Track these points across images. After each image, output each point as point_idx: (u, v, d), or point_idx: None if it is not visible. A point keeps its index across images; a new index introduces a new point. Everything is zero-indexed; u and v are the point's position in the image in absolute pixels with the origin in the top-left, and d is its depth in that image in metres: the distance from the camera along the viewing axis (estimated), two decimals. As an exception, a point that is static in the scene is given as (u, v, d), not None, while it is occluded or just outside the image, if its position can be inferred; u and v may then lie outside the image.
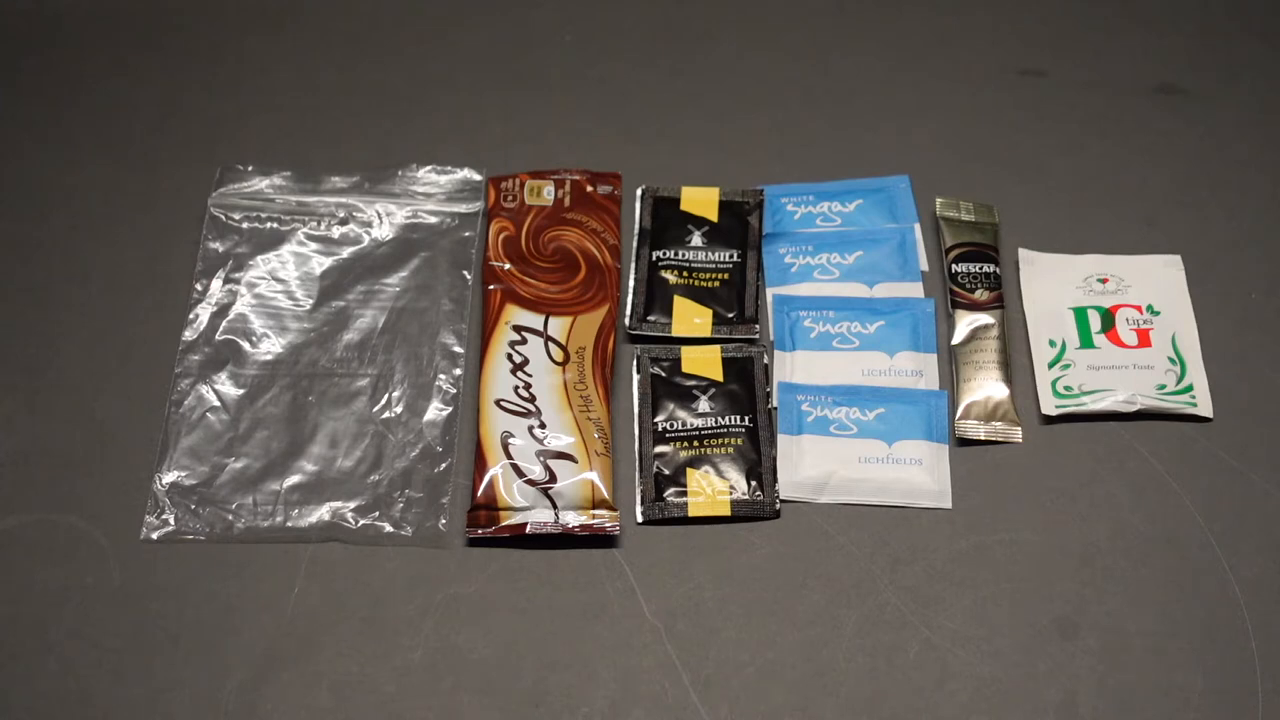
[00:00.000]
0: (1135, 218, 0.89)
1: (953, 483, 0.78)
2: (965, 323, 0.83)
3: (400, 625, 0.74)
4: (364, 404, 0.81)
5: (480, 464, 0.77)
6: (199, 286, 0.85)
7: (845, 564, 0.76)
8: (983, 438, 0.79)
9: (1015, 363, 0.83)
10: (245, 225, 0.88)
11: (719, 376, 0.82)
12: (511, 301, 0.83)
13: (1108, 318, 0.83)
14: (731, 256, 0.86)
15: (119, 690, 0.71)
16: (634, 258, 0.87)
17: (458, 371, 0.82)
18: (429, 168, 0.90)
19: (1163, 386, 0.81)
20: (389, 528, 0.77)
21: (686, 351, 0.83)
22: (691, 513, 0.77)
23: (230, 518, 0.77)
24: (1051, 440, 0.80)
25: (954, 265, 0.85)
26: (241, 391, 0.81)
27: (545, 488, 0.76)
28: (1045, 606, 0.74)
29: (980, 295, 0.83)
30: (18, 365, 0.83)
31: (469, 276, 0.86)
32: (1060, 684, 0.72)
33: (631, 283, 0.86)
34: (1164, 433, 0.80)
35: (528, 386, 0.80)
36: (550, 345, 0.81)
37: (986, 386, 0.80)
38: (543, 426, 0.78)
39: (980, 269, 0.85)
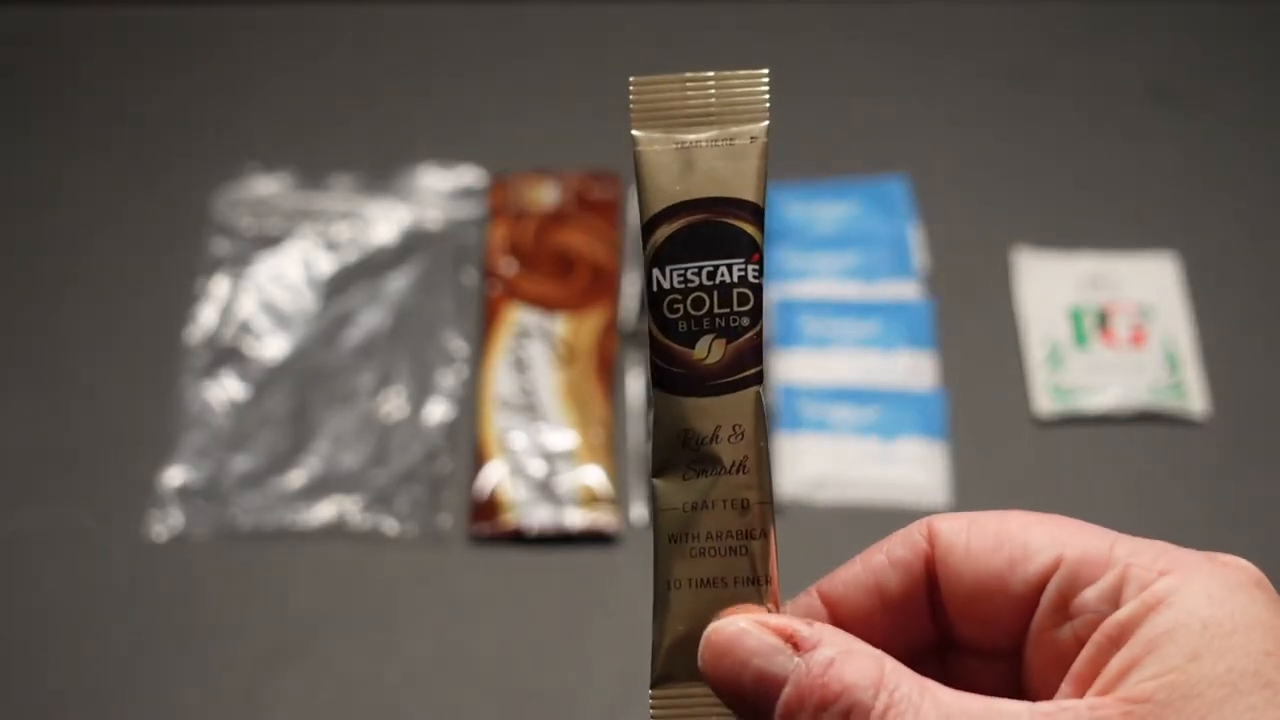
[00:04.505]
0: (1131, 217, 0.90)
1: (950, 482, 0.79)
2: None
3: (402, 622, 0.75)
4: (367, 403, 0.82)
5: (482, 463, 0.78)
6: (205, 286, 0.86)
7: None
8: None
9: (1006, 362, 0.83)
10: (250, 225, 0.88)
11: (718, 376, 0.82)
12: (513, 301, 0.84)
13: (1102, 317, 0.84)
14: (730, 256, 0.87)
15: (125, 687, 0.72)
16: (634, 258, 0.87)
17: (460, 371, 0.83)
18: (431, 168, 0.90)
19: (1157, 386, 0.81)
20: (391, 525, 0.78)
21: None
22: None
23: (235, 515, 0.78)
24: (1046, 441, 0.80)
25: (655, 273, 0.35)
26: (247, 390, 0.82)
27: (546, 486, 0.77)
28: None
29: (701, 351, 0.34)
30: (25, 365, 0.84)
31: (471, 276, 0.87)
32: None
33: (632, 283, 0.86)
34: (1159, 432, 0.81)
35: (529, 386, 0.80)
36: (551, 345, 0.82)
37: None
38: (543, 425, 0.79)
39: (702, 273, 0.34)
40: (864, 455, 0.79)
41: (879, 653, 0.31)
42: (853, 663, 0.31)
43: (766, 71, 0.35)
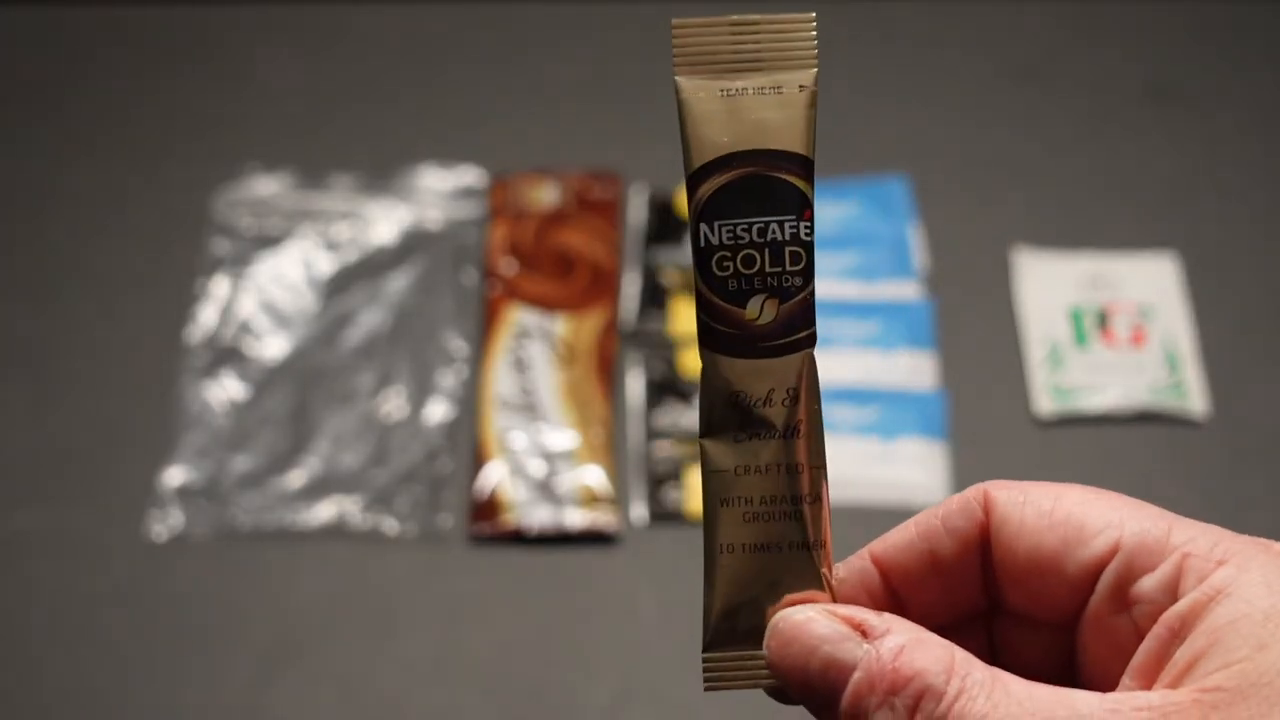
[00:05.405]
0: (1131, 217, 0.90)
1: (950, 481, 0.79)
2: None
3: (403, 622, 0.75)
4: (367, 403, 0.82)
5: (482, 463, 0.78)
6: (205, 286, 0.86)
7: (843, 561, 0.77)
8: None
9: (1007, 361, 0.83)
10: (250, 225, 0.88)
11: (718, 376, 0.82)
12: (513, 301, 0.84)
13: (1102, 317, 0.84)
14: (730, 256, 0.87)
15: (126, 688, 0.72)
16: (634, 258, 0.87)
17: (460, 371, 0.83)
18: (431, 168, 0.90)
19: (1157, 386, 0.81)
20: (391, 525, 0.78)
21: (686, 351, 0.84)
22: (691, 511, 0.78)
23: (236, 516, 0.78)
24: (1046, 441, 0.80)
25: (703, 228, 0.34)
26: (247, 390, 0.82)
27: (546, 486, 0.77)
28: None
29: (753, 311, 0.33)
30: (25, 366, 0.84)
31: (471, 276, 0.87)
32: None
33: (632, 283, 0.86)
34: (1159, 432, 0.81)
35: (529, 386, 0.80)
36: (551, 345, 0.82)
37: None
38: (543, 425, 0.79)
39: (753, 230, 0.33)
40: (864, 455, 0.79)
41: (948, 642, 0.31)
42: (924, 649, 0.30)
43: (813, 16, 0.34)
